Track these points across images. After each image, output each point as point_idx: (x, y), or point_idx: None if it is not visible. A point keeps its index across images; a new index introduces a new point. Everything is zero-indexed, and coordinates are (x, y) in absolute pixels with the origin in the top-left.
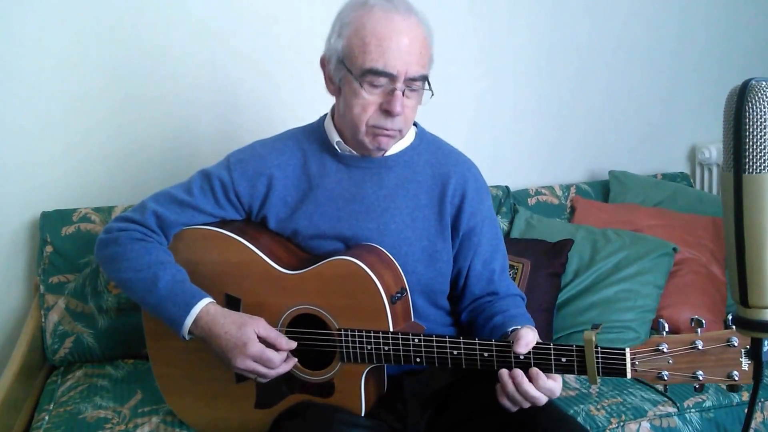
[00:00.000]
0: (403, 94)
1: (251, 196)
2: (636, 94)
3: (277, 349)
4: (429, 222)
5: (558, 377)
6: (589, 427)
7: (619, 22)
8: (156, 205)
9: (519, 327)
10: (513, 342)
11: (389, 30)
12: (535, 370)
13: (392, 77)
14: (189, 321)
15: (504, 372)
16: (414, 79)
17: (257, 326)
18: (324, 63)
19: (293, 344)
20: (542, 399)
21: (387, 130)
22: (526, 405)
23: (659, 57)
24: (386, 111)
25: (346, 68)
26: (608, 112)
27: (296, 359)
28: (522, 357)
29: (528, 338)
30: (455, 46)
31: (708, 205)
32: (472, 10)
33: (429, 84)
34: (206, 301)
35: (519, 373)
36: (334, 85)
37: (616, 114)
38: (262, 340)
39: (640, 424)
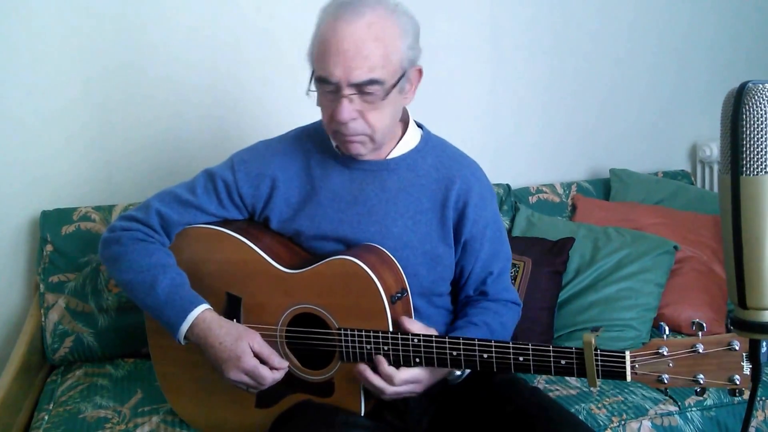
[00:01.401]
0: (351, 101)
1: (254, 196)
2: (637, 93)
3: (269, 367)
4: (431, 226)
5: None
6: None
7: (620, 21)
8: (160, 204)
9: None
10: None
11: (331, 37)
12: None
13: (335, 84)
14: (185, 327)
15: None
16: (360, 84)
17: (252, 340)
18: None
19: (285, 363)
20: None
21: (345, 135)
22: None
23: (660, 55)
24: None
25: (313, 74)
26: (609, 110)
27: (287, 364)
28: (521, 359)
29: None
30: (458, 44)
31: (709, 203)
32: (476, 9)
33: (390, 86)
34: (203, 307)
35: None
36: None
37: (617, 112)
38: (256, 355)
39: (641, 423)
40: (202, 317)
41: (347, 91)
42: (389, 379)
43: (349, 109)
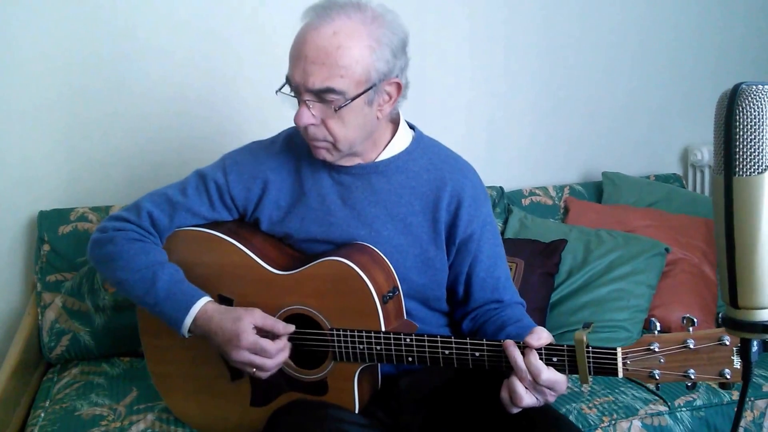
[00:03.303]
0: (310, 106)
1: (246, 198)
2: (629, 96)
3: (275, 336)
4: (422, 229)
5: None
6: (581, 426)
7: (613, 24)
8: (151, 205)
9: None
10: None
11: (298, 40)
12: (527, 349)
13: (294, 85)
14: (188, 321)
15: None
16: (315, 91)
17: (252, 317)
18: None
19: (291, 327)
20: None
21: (308, 140)
22: (537, 395)
23: (653, 59)
24: None
25: None
26: (602, 113)
27: (290, 345)
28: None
29: (542, 334)
30: (449, 46)
31: (700, 207)
32: (467, 11)
33: (351, 96)
34: (204, 300)
35: (528, 349)
36: None
37: (609, 115)
38: (260, 330)
39: (631, 423)
40: (204, 310)
41: (305, 96)
42: (537, 374)
43: (307, 114)
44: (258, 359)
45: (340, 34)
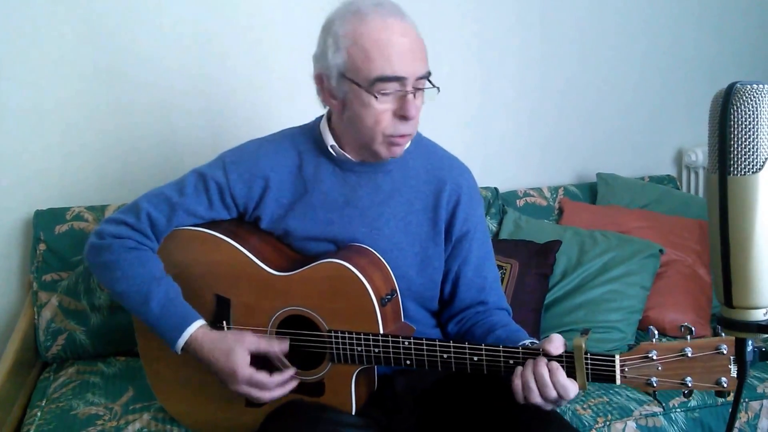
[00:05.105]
0: (415, 96)
1: (247, 197)
2: (624, 98)
3: (271, 357)
4: (422, 227)
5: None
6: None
7: (609, 26)
8: (149, 206)
9: (532, 341)
10: (544, 343)
11: (389, 34)
12: (555, 364)
13: (402, 80)
14: (181, 343)
15: (542, 362)
16: (422, 78)
17: (245, 346)
18: (321, 80)
19: (285, 343)
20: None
21: (403, 136)
22: (552, 398)
23: (647, 61)
24: (402, 116)
25: (350, 81)
26: (597, 115)
27: (296, 383)
28: (511, 362)
29: (559, 343)
30: (446, 47)
31: (694, 208)
32: (464, 11)
33: (431, 81)
34: (195, 325)
35: (555, 364)
36: (336, 100)
37: (604, 117)
38: (255, 355)
39: (626, 424)
40: (194, 336)
41: (416, 85)
42: (564, 393)
43: (416, 104)
44: (255, 392)
45: (413, 25)
